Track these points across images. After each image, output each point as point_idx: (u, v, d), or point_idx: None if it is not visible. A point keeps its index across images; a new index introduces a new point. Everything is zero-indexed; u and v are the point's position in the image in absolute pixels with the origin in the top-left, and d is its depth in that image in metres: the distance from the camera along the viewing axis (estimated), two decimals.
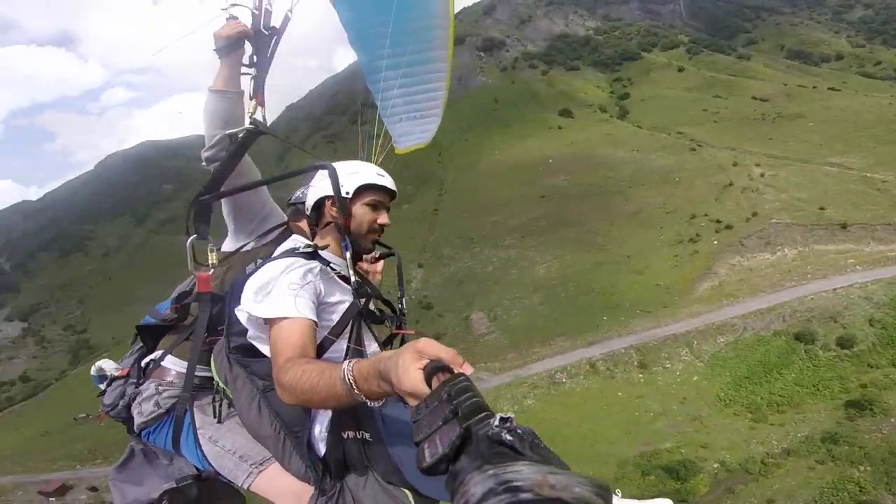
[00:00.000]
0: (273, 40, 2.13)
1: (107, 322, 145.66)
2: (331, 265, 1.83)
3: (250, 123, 2.01)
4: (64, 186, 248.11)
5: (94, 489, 55.68)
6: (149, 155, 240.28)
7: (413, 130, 3.29)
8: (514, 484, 0.48)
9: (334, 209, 1.90)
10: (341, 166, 1.95)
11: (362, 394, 1.22)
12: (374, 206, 1.94)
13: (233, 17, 2.05)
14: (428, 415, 0.82)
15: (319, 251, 1.83)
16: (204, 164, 2.17)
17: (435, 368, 0.97)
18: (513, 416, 0.68)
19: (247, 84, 2.12)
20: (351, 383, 1.22)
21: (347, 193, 1.89)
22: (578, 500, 0.45)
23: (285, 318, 1.57)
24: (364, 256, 2.13)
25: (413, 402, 0.94)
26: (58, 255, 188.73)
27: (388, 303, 2.11)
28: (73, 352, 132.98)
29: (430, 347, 1.04)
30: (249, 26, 2.07)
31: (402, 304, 2.16)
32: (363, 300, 1.77)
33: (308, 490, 1.73)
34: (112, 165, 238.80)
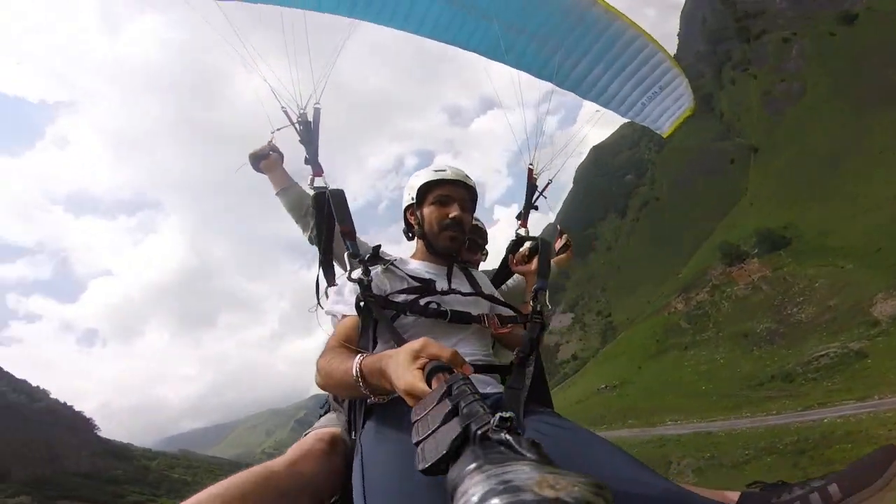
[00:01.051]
0: (315, 129, 2.40)
1: (623, 305, 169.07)
2: (393, 264, 1.86)
3: (311, 192, 2.25)
4: (564, 203, 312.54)
5: None
6: (597, 158, 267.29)
7: (666, 105, 3.08)
8: (514, 484, 0.47)
9: (412, 217, 2.02)
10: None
11: (367, 388, 1.24)
12: (443, 202, 1.95)
13: (271, 142, 2.54)
14: (427, 415, 0.81)
15: (382, 255, 1.89)
16: (312, 244, 2.50)
17: (435, 368, 0.96)
18: (513, 415, 0.68)
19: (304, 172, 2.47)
20: (358, 376, 1.24)
21: (412, 199, 1.99)
22: (578, 500, 0.45)
23: (336, 321, 1.73)
24: (514, 258, 2.37)
25: (411, 402, 0.93)
26: (579, 257, 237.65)
27: (495, 299, 2.00)
28: (602, 333, 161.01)
29: (430, 347, 1.03)
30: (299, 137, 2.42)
31: (535, 301, 2.01)
32: (369, 292, 1.69)
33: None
34: (580, 176, 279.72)
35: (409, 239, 2.11)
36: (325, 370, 1.45)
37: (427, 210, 1.97)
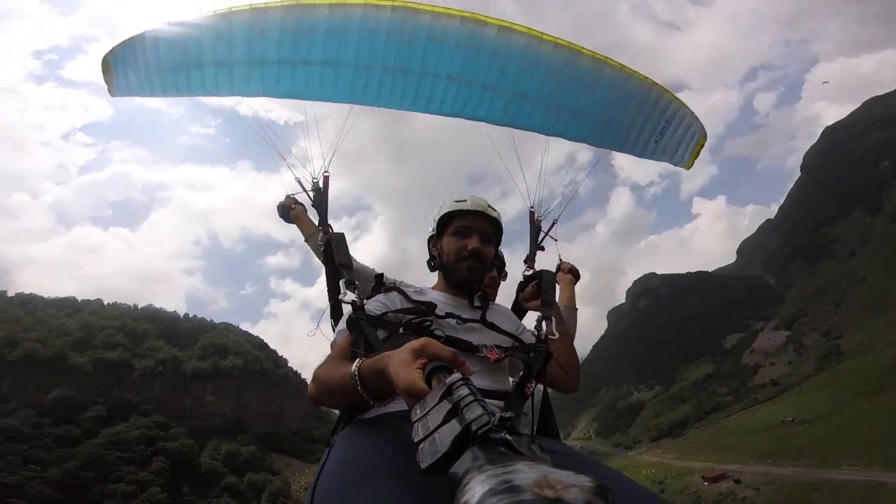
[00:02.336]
0: (325, 194, 2.75)
1: (860, 326, 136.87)
2: (399, 289, 1.91)
3: (321, 244, 2.47)
4: (789, 196, 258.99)
5: (737, 482, 57.63)
6: (835, 141, 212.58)
7: (679, 138, 3.14)
8: (514, 484, 0.48)
9: (434, 248, 2.07)
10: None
11: (366, 392, 1.24)
12: (462, 234, 1.97)
13: (291, 196, 2.90)
14: (427, 414, 0.82)
15: (400, 286, 1.95)
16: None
17: (435, 368, 0.99)
18: (513, 415, 0.69)
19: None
20: (356, 378, 1.25)
21: (433, 231, 2.06)
22: (578, 500, 0.46)
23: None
24: (521, 294, 2.38)
25: (410, 402, 0.94)
26: (806, 263, 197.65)
27: (497, 328, 1.95)
28: (822, 358, 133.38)
29: (430, 346, 1.05)
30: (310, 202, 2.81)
31: (539, 329, 2.00)
32: (361, 313, 1.73)
33: None
34: (812, 163, 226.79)
35: (432, 270, 2.14)
36: (321, 378, 1.47)
37: (446, 241, 1.99)
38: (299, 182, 2.73)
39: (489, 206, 2.01)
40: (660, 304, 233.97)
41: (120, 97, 2.90)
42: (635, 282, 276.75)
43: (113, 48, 2.80)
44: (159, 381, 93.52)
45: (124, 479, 66.25)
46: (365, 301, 1.83)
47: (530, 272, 2.59)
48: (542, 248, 2.86)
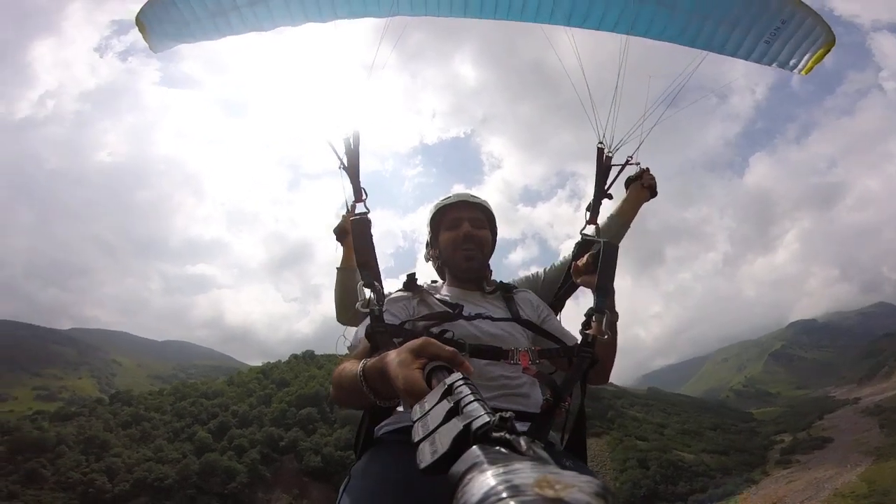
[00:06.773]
0: (355, 151, 2.31)
1: None
2: (426, 291, 2.09)
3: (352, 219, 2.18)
4: None
5: None
6: None
7: (798, 41, 2.78)
8: (515, 483, 0.50)
9: (433, 252, 2.31)
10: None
11: (371, 391, 1.31)
12: (454, 226, 2.19)
13: (349, 212, 2.40)
14: (427, 414, 0.85)
15: (418, 283, 2.14)
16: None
17: (435, 368, 1.02)
18: (513, 415, 0.71)
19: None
20: (362, 378, 1.32)
21: (429, 234, 2.30)
22: (578, 501, 0.47)
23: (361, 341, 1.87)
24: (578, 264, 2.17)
25: (410, 401, 0.97)
26: None
27: (534, 326, 2.02)
28: None
29: (430, 346, 1.08)
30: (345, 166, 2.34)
31: (586, 327, 1.91)
32: (378, 322, 1.80)
33: None
34: None
35: (439, 271, 2.32)
36: (336, 380, 1.56)
37: (443, 237, 2.21)
38: (330, 145, 2.34)
39: (472, 196, 2.23)
40: None
41: (162, 51, 2.90)
42: None
43: (143, 7, 2.76)
44: None
45: None
46: (385, 307, 1.87)
47: (591, 231, 2.40)
48: (610, 197, 2.51)
